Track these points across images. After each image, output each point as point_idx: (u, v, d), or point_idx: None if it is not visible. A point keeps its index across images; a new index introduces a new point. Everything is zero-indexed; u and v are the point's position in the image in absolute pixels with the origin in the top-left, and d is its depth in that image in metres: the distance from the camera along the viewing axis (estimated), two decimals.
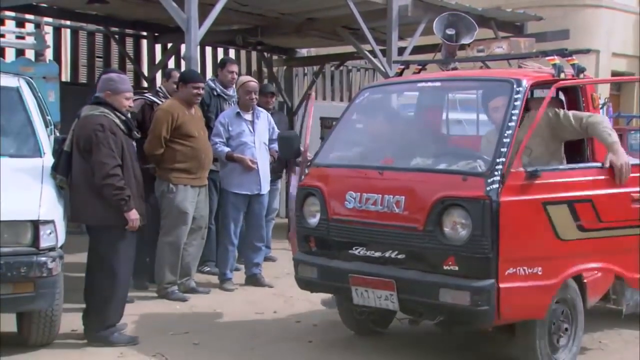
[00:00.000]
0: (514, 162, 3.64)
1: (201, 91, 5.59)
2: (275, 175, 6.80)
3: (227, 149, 5.79)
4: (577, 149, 4.36)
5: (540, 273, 3.68)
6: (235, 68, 6.39)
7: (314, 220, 4.21)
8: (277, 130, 6.17)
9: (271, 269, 6.53)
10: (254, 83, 6.00)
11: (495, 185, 3.59)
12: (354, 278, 3.98)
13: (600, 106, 4.80)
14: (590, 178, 3.97)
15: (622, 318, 4.55)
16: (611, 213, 3.97)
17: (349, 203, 4.03)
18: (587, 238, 3.86)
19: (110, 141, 4.23)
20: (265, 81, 10.72)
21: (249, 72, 11.32)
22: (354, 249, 4.02)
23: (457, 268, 3.66)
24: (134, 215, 4.29)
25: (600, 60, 14.25)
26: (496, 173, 3.62)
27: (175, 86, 5.83)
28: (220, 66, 6.54)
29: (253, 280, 6.07)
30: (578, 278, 4.02)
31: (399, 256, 3.85)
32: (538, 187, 3.70)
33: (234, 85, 6.23)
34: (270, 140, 6.05)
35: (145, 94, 6.19)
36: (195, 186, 5.53)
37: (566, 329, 3.98)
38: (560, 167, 4.07)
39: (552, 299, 3.78)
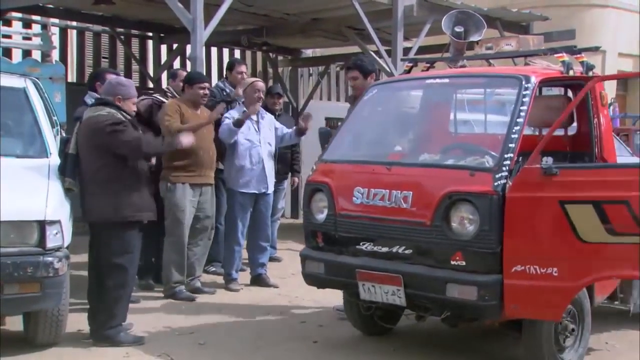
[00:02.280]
0: (531, 158, 3.55)
1: (207, 91, 5.61)
2: (280, 176, 6.80)
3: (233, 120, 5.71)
4: (585, 148, 4.33)
5: (555, 274, 3.49)
6: (244, 68, 6.44)
7: (321, 216, 4.21)
8: (281, 126, 6.16)
9: (276, 269, 6.52)
10: (261, 83, 6.07)
11: (503, 181, 3.57)
12: (361, 273, 3.98)
13: (608, 105, 4.76)
14: (626, 178, 3.45)
15: (629, 317, 4.52)
16: None
17: (357, 198, 4.03)
18: (620, 243, 3.43)
19: (124, 126, 4.28)
20: (271, 82, 10.73)
21: (254, 73, 11.33)
22: (361, 244, 4.02)
23: (464, 263, 3.65)
24: (183, 139, 4.48)
25: (606, 60, 14.20)
26: (504, 168, 3.60)
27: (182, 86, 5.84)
28: (229, 68, 6.59)
29: (258, 280, 6.06)
30: None
31: (406, 251, 3.85)
32: (555, 185, 3.50)
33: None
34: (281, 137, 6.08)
35: (153, 95, 6.20)
36: (196, 185, 5.51)
37: (573, 330, 3.94)
38: (585, 165, 3.88)
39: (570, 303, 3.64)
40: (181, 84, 5.89)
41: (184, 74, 6.08)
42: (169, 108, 5.48)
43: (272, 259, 6.72)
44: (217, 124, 5.89)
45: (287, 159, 6.94)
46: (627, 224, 3.38)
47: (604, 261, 3.49)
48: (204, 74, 6.07)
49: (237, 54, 11.11)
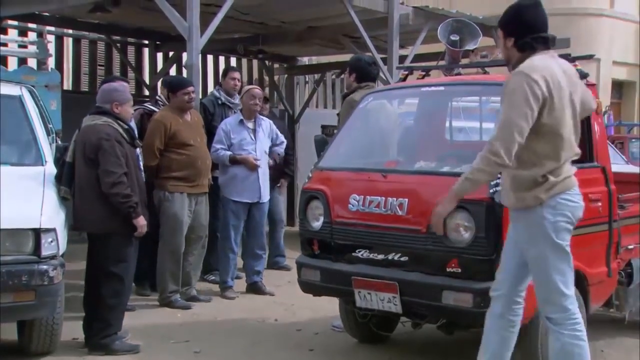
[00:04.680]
0: None
1: (192, 95, 5.57)
2: (272, 182, 6.78)
3: (229, 153, 5.81)
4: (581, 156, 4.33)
5: None
6: (236, 75, 6.44)
7: (317, 224, 4.22)
8: (280, 135, 6.18)
9: (272, 277, 6.51)
10: (258, 90, 6.09)
11: (499, 188, 3.59)
12: (357, 281, 3.98)
13: (602, 113, 4.78)
14: None
15: (625, 324, 4.52)
16: None
17: (353, 206, 4.03)
18: None
19: (116, 150, 4.26)
20: (267, 90, 10.76)
21: (250, 81, 11.35)
22: (357, 251, 4.02)
23: (459, 270, 3.66)
24: (142, 222, 4.32)
25: (601, 68, 14.27)
26: (499, 176, 3.61)
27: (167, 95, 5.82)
28: (222, 75, 6.59)
29: (254, 288, 6.06)
30: (581, 284, 3.99)
31: (402, 258, 3.86)
32: None
33: (238, 93, 6.26)
34: (274, 145, 6.09)
35: (145, 104, 6.20)
36: (193, 194, 5.51)
37: None
38: None
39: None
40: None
41: None
42: (151, 129, 5.43)
43: (280, 268, 6.86)
44: (210, 132, 5.89)
45: (279, 165, 6.91)
46: None
47: None
48: (185, 78, 6.02)
49: (233, 61, 11.14)
